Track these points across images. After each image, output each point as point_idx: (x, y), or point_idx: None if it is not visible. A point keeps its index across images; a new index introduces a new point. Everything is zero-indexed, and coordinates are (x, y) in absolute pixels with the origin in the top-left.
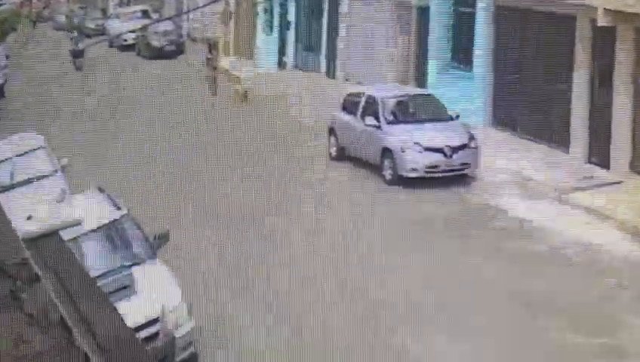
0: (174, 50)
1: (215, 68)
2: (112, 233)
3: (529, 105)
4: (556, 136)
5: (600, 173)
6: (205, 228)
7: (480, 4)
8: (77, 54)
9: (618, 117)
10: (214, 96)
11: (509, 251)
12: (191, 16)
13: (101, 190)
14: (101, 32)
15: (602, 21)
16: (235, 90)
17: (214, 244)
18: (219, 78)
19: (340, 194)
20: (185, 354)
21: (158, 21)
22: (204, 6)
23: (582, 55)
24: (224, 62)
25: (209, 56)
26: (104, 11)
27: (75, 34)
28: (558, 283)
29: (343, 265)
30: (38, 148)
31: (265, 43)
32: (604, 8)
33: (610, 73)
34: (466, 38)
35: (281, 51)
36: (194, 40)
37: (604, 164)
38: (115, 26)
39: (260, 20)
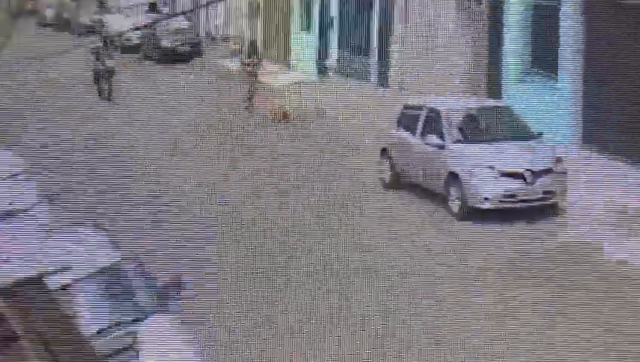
0: (189, 52)
1: (256, 77)
2: (110, 280)
3: (627, 120)
4: None
5: None
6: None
7: None
8: (103, 75)
9: None
10: (250, 113)
11: (614, 301)
12: (210, 10)
13: (98, 227)
14: (98, 29)
15: None
16: (272, 106)
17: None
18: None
19: (392, 234)
20: None
21: (169, 16)
22: None
23: None
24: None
25: (247, 62)
26: (102, 4)
27: (100, 43)
28: None
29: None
30: (17, 173)
31: (302, 44)
32: None
33: None
34: (549, 38)
35: (322, 54)
36: (213, 39)
37: None
38: (116, 21)
39: (296, 16)
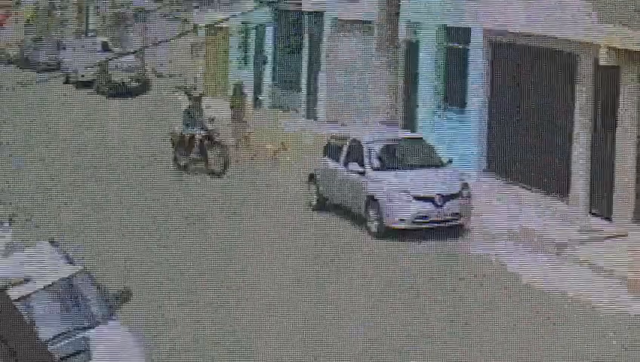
0: (138, 87)
1: (245, 123)
2: (64, 291)
3: (526, 150)
4: (555, 184)
5: (601, 224)
6: None
7: (473, 40)
8: None
9: (621, 164)
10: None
11: (502, 308)
12: (157, 50)
13: (53, 243)
14: (56, 66)
15: (605, 60)
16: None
17: None
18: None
19: (317, 249)
20: None
21: (120, 55)
22: (172, 39)
23: (583, 97)
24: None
25: (234, 104)
26: (59, 44)
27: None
28: (558, 343)
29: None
30: None
31: (239, 79)
32: (608, 47)
33: (613, 117)
34: (458, 76)
35: (257, 89)
36: (159, 76)
37: (606, 215)
38: (71, 59)
39: (234, 55)
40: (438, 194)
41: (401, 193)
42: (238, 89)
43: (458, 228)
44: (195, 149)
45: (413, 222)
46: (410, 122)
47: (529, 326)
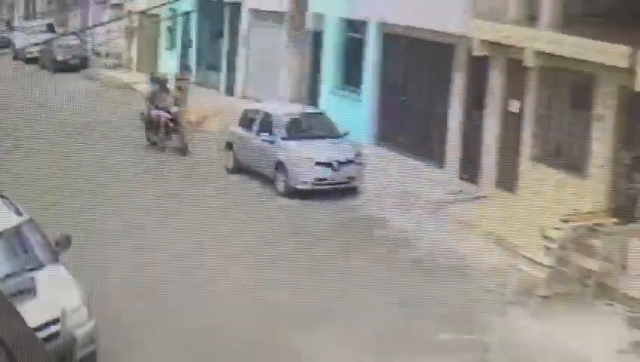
0: (78, 64)
1: (185, 92)
2: (13, 238)
3: (411, 125)
4: (433, 153)
5: (469, 188)
6: None
7: (369, 31)
8: None
9: (487, 138)
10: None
11: (387, 255)
12: (96, 31)
13: (2, 196)
14: (6, 44)
15: (477, 51)
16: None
17: None
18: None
19: (233, 204)
20: (85, 352)
21: (62, 35)
22: (109, 22)
23: (458, 81)
24: (127, 77)
25: (179, 76)
26: (9, 24)
27: None
28: (430, 285)
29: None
30: None
31: (167, 60)
32: (480, 39)
33: (482, 98)
34: (355, 61)
35: (182, 69)
36: (98, 54)
37: (474, 180)
38: (19, 39)
39: (163, 38)
40: (336, 161)
41: (305, 159)
42: (184, 68)
43: (352, 189)
44: (162, 129)
45: (314, 184)
46: (313, 99)
47: (403, 268)
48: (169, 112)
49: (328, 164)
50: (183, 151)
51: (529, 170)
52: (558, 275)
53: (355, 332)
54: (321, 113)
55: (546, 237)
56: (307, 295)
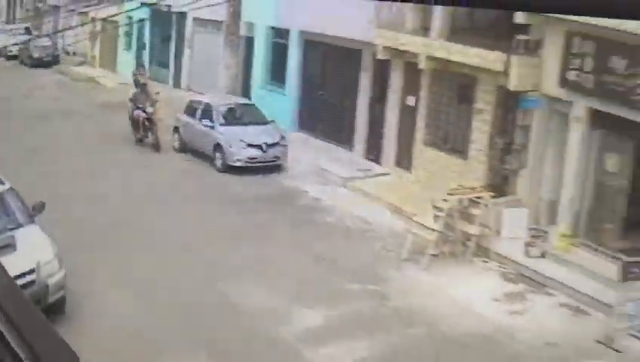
0: (51, 61)
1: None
2: None
3: (326, 114)
4: (344, 138)
5: (374, 166)
6: None
7: (292, 38)
8: None
9: (388, 126)
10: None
11: (306, 220)
12: (65, 34)
13: None
14: None
15: (380, 55)
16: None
17: None
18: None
19: (178, 175)
20: (56, 297)
21: (37, 37)
22: (76, 27)
23: (365, 79)
24: (91, 72)
25: (136, 72)
26: None
27: None
28: (341, 245)
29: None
30: None
31: (125, 59)
32: (383, 46)
33: (384, 94)
34: (280, 62)
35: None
36: (67, 53)
37: (377, 160)
38: (2, 39)
39: (122, 41)
40: (264, 143)
41: (239, 141)
42: (139, 66)
43: (278, 166)
44: (140, 127)
45: (246, 162)
46: (246, 93)
47: (319, 231)
48: (145, 112)
49: (258, 146)
50: (156, 147)
51: (422, 152)
52: (444, 238)
53: (279, 282)
54: (252, 104)
55: (435, 207)
56: (238, 251)
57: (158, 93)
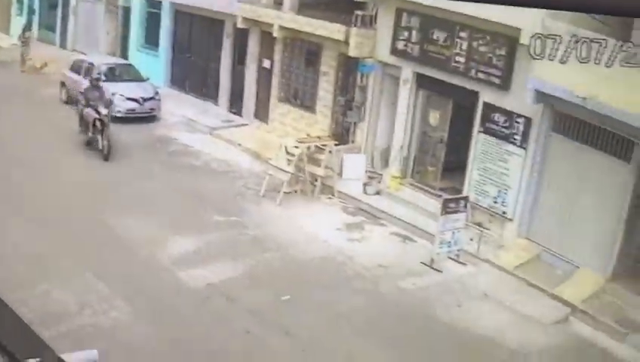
0: None
1: (28, 45)
2: None
3: (194, 74)
4: (210, 94)
5: (236, 118)
6: None
7: (164, 8)
8: None
9: (248, 85)
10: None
11: (178, 163)
12: None
13: None
14: None
15: (241, 25)
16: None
17: None
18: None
19: (65, 124)
20: None
21: None
22: None
23: (228, 45)
24: None
25: (21, 35)
26: None
27: None
28: (208, 184)
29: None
30: None
31: (17, 23)
32: (242, 17)
33: (244, 56)
34: (154, 28)
35: (27, 29)
36: None
37: (239, 113)
38: None
39: (14, 7)
40: (141, 97)
41: (119, 95)
42: (27, 27)
43: (153, 117)
44: (91, 129)
45: (126, 113)
46: (124, 54)
47: (188, 172)
48: (97, 112)
49: (135, 99)
50: (106, 156)
51: (276, 107)
52: (296, 178)
53: (155, 216)
54: (129, 64)
55: (288, 153)
56: (118, 190)
57: (46, 64)
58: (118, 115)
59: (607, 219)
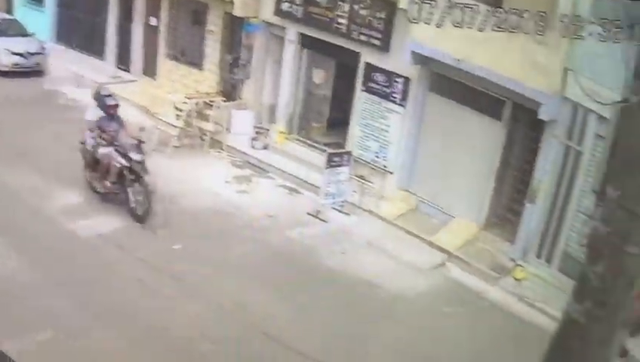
0: None
1: None
2: None
3: (80, 30)
4: (98, 50)
5: (124, 74)
6: None
7: None
8: None
9: (135, 41)
10: None
11: (65, 117)
12: None
13: None
14: None
15: None
16: None
17: None
18: None
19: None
20: None
21: None
22: None
23: (114, 0)
24: None
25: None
26: None
27: None
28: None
29: None
30: None
31: None
32: None
33: (131, 14)
34: None
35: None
36: None
37: (127, 69)
38: None
39: None
40: (26, 51)
41: (4, 50)
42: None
43: (39, 72)
44: (112, 178)
45: (12, 67)
46: (9, 10)
47: (73, 124)
48: (128, 158)
49: (21, 54)
50: (140, 218)
51: (164, 64)
52: (185, 133)
53: (43, 167)
54: (14, 19)
55: (176, 108)
56: (3, 140)
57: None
58: (5, 69)
59: (479, 172)
